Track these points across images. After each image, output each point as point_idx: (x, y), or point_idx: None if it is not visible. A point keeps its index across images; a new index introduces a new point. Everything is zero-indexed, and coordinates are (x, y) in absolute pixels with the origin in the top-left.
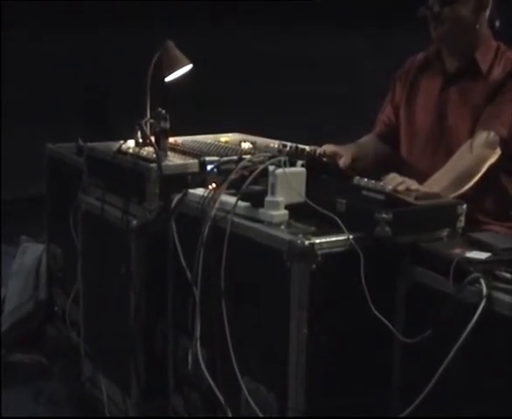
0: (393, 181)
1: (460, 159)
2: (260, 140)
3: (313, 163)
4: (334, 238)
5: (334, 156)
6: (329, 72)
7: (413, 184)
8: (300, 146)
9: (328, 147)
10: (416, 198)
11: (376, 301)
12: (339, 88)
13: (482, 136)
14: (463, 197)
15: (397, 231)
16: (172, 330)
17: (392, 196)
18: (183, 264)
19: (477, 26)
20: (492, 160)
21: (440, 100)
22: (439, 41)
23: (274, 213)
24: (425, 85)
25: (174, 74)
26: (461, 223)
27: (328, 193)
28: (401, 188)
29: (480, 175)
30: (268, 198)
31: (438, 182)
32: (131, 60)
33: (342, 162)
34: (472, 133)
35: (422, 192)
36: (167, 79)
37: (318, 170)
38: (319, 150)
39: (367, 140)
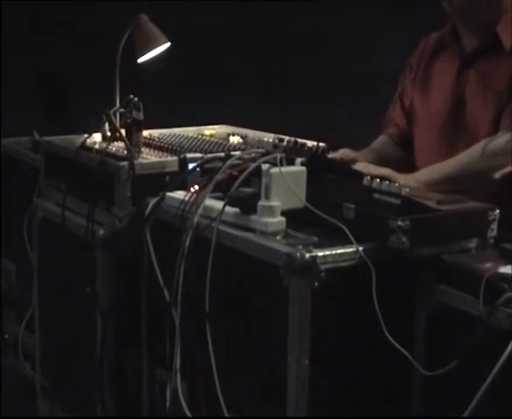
0: (365, 167)
1: (467, 157)
2: (252, 134)
3: (315, 161)
4: (340, 250)
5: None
6: (338, 52)
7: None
8: (300, 140)
9: (345, 153)
10: (438, 202)
11: (391, 326)
12: (350, 70)
13: (504, 138)
14: (495, 200)
15: (416, 242)
16: (147, 361)
17: (410, 200)
18: (160, 282)
19: None
20: (509, 169)
21: (458, 86)
22: (454, 14)
23: (269, 220)
24: (441, 68)
25: (148, 54)
26: (493, 231)
27: (333, 196)
28: (376, 172)
29: (489, 179)
30: (262, 203)
31: (429, 173)
32: (97, 39)
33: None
34: (495, 124)
35: (446, 196)
36: (140, 61)
37: (321, 169)
38: (323, 145)
39: (384, 144)
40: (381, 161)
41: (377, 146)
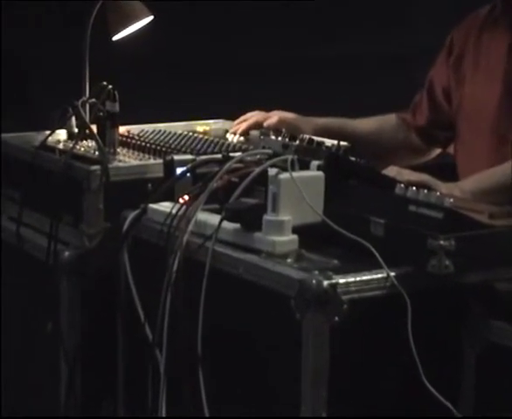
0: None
1: None
2: (256, 130)
3: (335, 164)
4: (367, 277)
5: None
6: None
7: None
8: (317, 138)
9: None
10: (490, 216)
11: (430, 370)
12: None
13: None
14: None
15: (463, 266)
16: (124, 414)
17: (455, 213)
18: (141, 316)
19: None
20: None
21: (510, 67)
22: None
23: (277, 239)
24: (489, 47)
25: (125, 31)
26: None
27: (357, 208)
28: (412, 178)
29: None
30: (268, 217)
31: (477, 180)
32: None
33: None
34: None
35: (500, 209)
36: (115, 39)
37: (343, 174)
38: (344, 144)
39: (382, 123)
40: (358, 137)
41: (369, 122)
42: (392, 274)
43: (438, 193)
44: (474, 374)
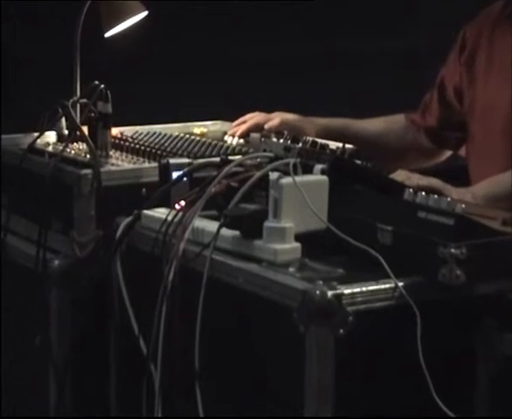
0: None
1: None
2: (257, 133)
3: (340, 168)
4: (373, 287)
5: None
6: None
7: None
8: (321, 140)
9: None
10: (504, 223)
11: (441, 386)
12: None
13: None
14: None
15: (475, 276)
16: None
17: (467, 220)
18: (135, 328)
19: None
20: None
21: None
22: None
23: (279, 247)
24: (504, 44)
25: (119, 27)
26: None
27: (364, 214)
28: (421, 183)
29: None
30: (269, 223)
31: (489, 185)
32: (51, 9)
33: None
34: None
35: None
36: (108, 35)
37: (348, 179)
38: (350, 147)
39: (389, 124)
40: (353, 138)
41: (376, 123)
42: (400, 284)
43: (448, 198)
44: (488, 390)
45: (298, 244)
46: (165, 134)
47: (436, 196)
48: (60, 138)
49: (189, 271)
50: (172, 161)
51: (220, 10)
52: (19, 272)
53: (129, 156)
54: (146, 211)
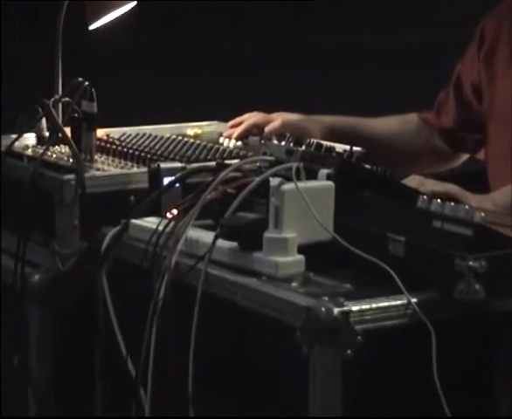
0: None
1: None
2: (255, 135)
3: (347, 173)
4: (384, 303)
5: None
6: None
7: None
8: (326, 143)
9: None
10: None
11: (457, 409)
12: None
13: None
14: None
15: (495, 291)
16: None
17: (486, 230)
18: (122, 349)
19: None
20: None
21: None
22: None
23: (280, 260)
24: None
25: (105, 19)
26: None
27: (374, 224)
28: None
29: None
30: (270, 234)
31: (510, 193)
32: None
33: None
34: None
35: None
36: (92, 28)
37: (356, 185)
38: (358, 150)
39: (402, 124)
40: (370, 138)
41: (386, 123)
42: (414, 300)
43: (466, 206)
44: (509, 414)
45: (301, 257)
46: (155, 136)
47: (452, 204)
48: (40, 140)
49: (182, 285)
50: (163, 165)
51: (214, 2)
52: None
53: (116, 160)
54: (134, 221)
